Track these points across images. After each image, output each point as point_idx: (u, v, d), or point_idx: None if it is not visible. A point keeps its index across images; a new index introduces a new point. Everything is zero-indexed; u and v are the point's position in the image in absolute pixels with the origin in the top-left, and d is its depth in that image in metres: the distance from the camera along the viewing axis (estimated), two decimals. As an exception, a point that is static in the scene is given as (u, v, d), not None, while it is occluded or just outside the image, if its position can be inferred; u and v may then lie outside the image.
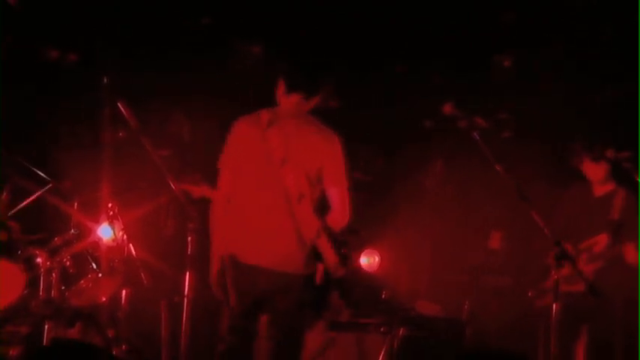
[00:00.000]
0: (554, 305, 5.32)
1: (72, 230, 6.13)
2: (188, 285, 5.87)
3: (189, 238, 5.93)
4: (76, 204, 6.27)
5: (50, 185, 6.29)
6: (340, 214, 5.62)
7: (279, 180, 5.52)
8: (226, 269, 5.61)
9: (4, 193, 6.19)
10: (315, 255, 5.60)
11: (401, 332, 6.82)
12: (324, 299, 5.76)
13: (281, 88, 5.66)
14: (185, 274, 5.88)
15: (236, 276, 5.58)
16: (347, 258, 5.67)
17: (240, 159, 5.65)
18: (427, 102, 7.11)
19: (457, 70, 8.00)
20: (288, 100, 5.64)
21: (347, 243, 5.70)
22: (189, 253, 5.92)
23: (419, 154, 8.30)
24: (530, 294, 7.05)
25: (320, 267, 5.58)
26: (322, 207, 5.64)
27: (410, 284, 8.01)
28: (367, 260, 7.60)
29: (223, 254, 5.62)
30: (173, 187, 5.80)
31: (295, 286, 5.53)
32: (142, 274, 5.96)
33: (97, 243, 5.98)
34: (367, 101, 8.19)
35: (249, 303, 5.58)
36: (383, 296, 7.50)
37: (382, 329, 6.84)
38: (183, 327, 5.89)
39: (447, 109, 5.54)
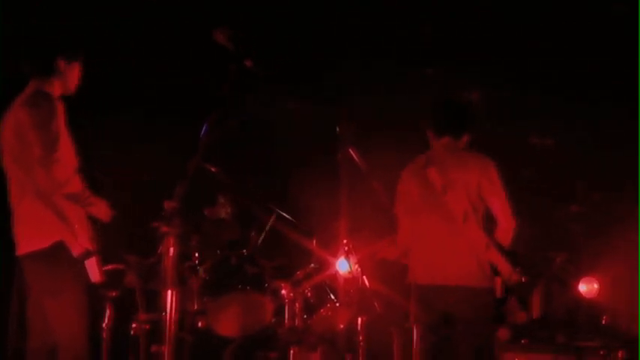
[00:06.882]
0: None
1: (312, 264, 6.57)
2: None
3: (413, 270, 6.33)
4: (315, 241, 6.70)
5: (294, 225, 6.84)
6: (504, 222, 5.97)
7: (443, 206, 5.93)
8: (411, 292, 6.10)
9: (252, 232, 6.82)
10: (493, 270, 5.98)
11: (620, 355, 6.91)
12: (504, 306, 6.12)
13: (430, 133, 6.09)
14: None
15: (419, 296, 6.05)
16: (517, 264, 5.99)
17: (408, 198, 6.13)
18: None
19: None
20: (439, 143, 6.09)
21: (515, 253, 6.03)
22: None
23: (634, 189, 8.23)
24: None
25: (498, 280, 5.97)
26: (489, 227, 6.01)
27: (630, 309, 8.01)
28: (586, 287, 7.81)
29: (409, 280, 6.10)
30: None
31: (477, 296, 5.92)
32: (375, 303, 6.20)
33: (334, 275, 6.26)
34: (581, 140, 8.24)
35: (437, 318, 6.00)
36: (603, 322, 7.61)
37: (602, 352, 6.93)
38: (414, 350, 6.25)
39: None
